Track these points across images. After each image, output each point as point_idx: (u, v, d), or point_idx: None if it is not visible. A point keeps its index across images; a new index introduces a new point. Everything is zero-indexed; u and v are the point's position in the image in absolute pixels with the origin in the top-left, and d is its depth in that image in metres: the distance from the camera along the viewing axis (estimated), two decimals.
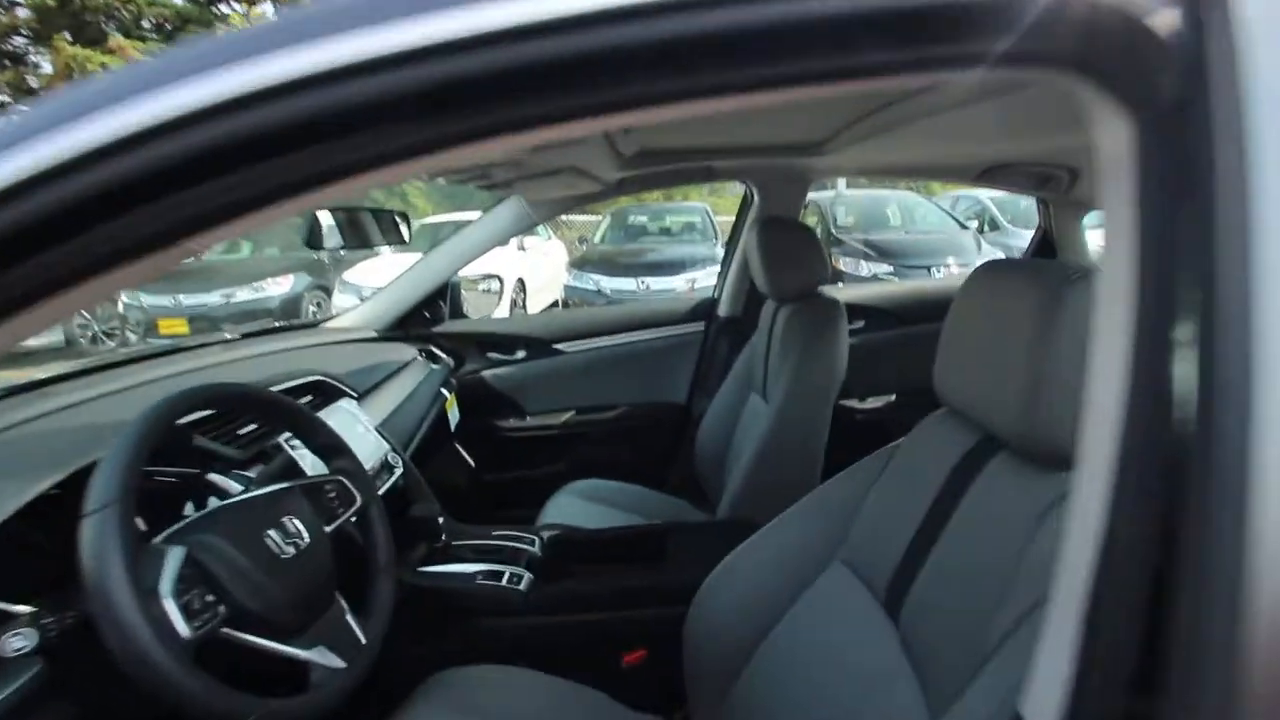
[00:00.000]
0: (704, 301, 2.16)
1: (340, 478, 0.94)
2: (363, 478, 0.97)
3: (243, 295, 6.45)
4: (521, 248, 7.90)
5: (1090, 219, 1.90)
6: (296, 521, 0.80)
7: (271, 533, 0.76)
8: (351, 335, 1.83)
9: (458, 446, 2.08)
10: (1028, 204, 8.39)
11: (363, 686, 0.85)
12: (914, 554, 0.76)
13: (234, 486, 0.94)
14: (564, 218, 12.82)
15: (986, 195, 8.90)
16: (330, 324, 1.90)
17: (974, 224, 7.59)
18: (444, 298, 1.99)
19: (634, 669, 1.14)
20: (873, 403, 2.03)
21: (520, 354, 2.05)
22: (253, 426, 1.08)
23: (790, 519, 1.00)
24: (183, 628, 0.61)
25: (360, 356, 1.62)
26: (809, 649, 0.87)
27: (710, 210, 8.52)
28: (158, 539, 0.71)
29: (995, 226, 7.85)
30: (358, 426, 1.30)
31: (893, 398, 2.02)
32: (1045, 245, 1.96)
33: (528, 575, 1.22)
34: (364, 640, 0.82)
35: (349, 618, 0.83)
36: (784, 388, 1.40)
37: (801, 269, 1.46)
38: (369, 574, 0.92)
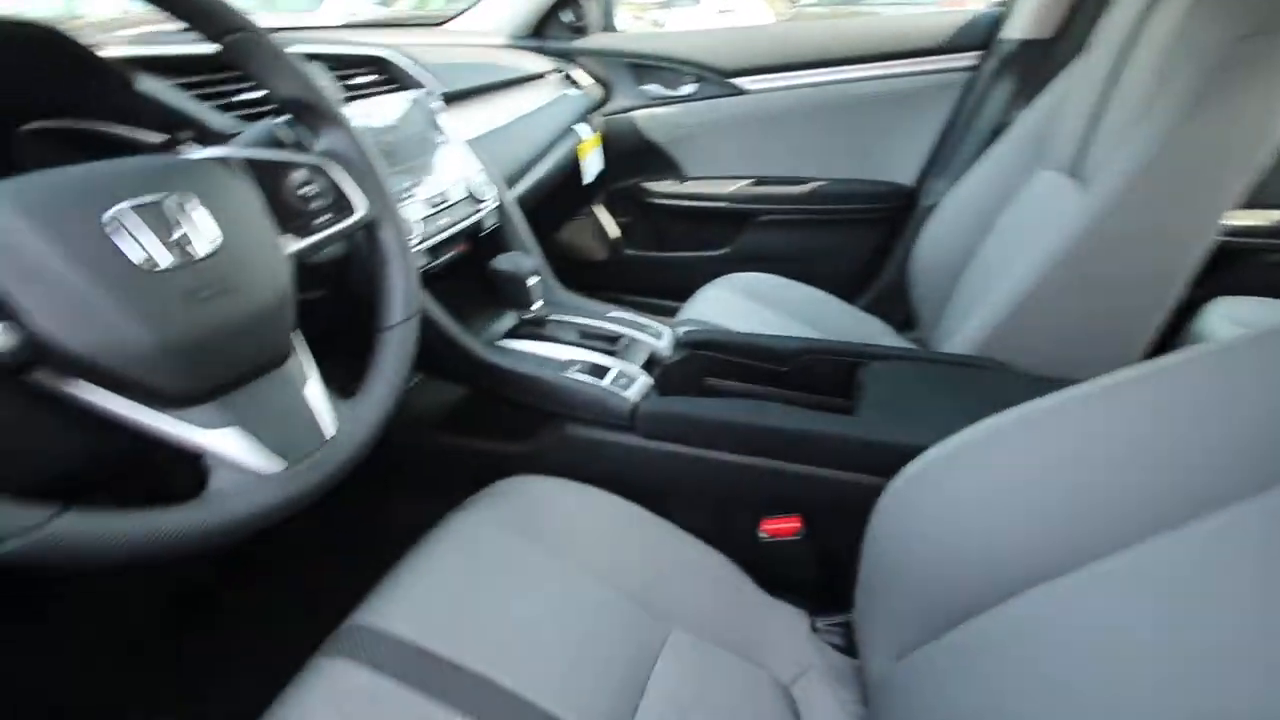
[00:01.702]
0: (979, 19, 1.37)
1: (323, 165, 0.55)
2: (368, 174, 0.57)
3: None
4: (724, 10, 6.69)
5: None
6: (195, 209, 0.43)
7: (122, 215, 0.39)
8: (473, 40, 1.39)
9: (600, 209, 1.68)
10: None
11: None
12: None
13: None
14: None
15: None
16: (451, 25, 1.46)
17: None
18: None
19: (776, 545, 0.75)
20: (1244, 219, 1.23)
21: (688, 88, 1.49)
22: (260, 93, 0.71)
23: (1151, 381, 0.47)
24: None
25: (466, 54, 1.19)
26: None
27: None
28: None
29: None
30: (431, 133, 0.90)
31: None
32: None
33: (644, 379, 0.83)
34: (328, 432, 0.48)
35: (310, 390, 0.49)
36: (1144, 150, 0.74)
37: None
38: (369, 332, 0.57)
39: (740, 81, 1.45)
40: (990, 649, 0.47)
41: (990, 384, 0.76)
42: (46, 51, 0.52)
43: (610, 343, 0.89)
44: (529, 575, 0.63)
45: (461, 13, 1.46)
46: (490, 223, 0.94)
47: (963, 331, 0.90)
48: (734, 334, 0.93)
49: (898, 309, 1.42)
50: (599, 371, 0.82)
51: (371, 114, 0.82)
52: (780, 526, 0.75)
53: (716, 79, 1.45)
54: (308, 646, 0.55)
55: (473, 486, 0.74)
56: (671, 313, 1.67)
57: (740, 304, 1.27)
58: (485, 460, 0.90)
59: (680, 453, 0.78)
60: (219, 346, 0.42)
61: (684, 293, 1.64)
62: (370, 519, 1.01)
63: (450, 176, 0.88)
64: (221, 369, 0.43)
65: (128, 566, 0.35)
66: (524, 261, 0.85)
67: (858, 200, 1.49)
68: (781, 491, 0.75)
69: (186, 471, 0.42)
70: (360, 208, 0.56)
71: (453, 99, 1.02)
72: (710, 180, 1.58)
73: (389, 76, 0.94)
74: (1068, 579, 0.44)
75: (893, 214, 1.47)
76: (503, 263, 0.84)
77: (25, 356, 0.36)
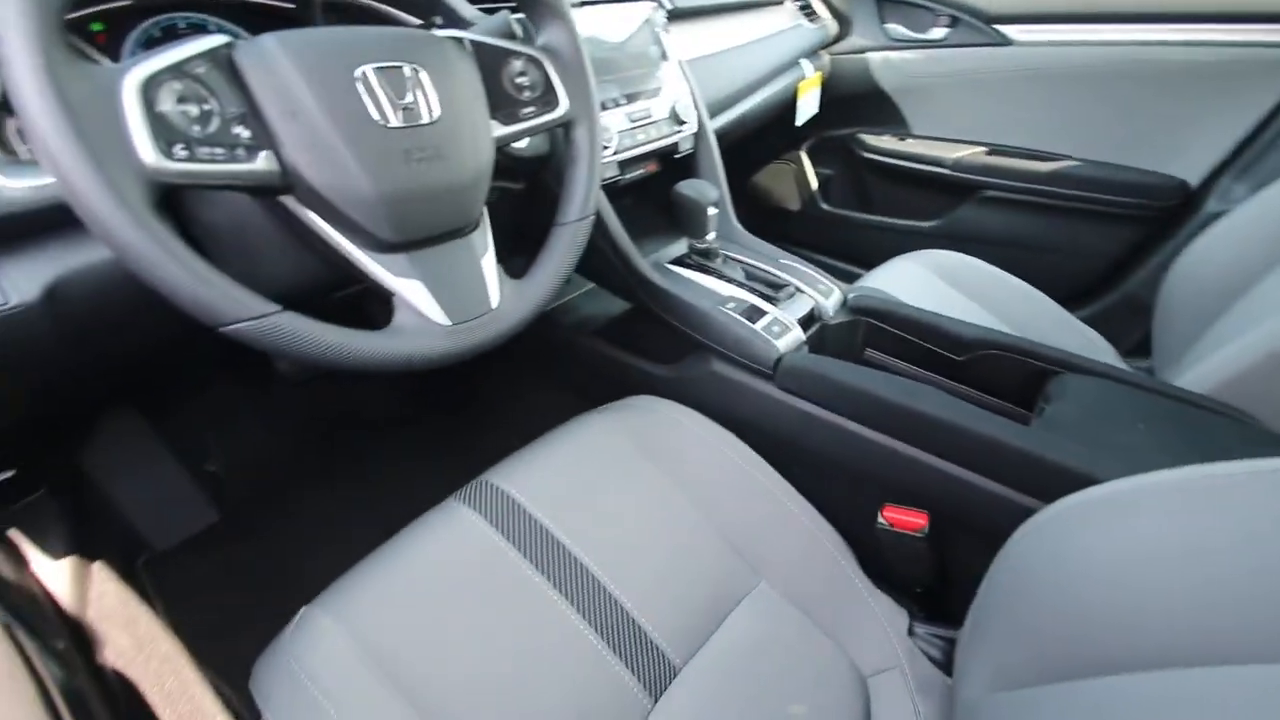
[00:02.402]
0: None
1: (542, 58, 0.58)
2: (578, 74, 0.60)
3: None
4: None
5: None
6: (425, 80, 0.48)
7: (369, 74, 0.45)
8: None
9: (804, 156, 1.59)
10: None
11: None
12: None
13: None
14: None
15: None
16: None
17: None
18: None
19: (893, 535, 0.70)
20: None
21: (939, 32, 1.32)
22: None
23: None
24: (146, 149, 0.37)
25: None
26: None
27: None
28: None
29: None
30: (651, 49, 0.91)
31: None
32: None
33: (796, 332, 0.80)
34: (494, 302, 0.53)
35: (486, 262, 0.54)
36: None
37: None
38: (546, 225, 0.61)
39: (1009, 30, 1.25)
40: (1109, 717, 0.41)
41: (1217, 432, 0.62)
42: None
43: (774, 289, 0.86)
44: (640, 487, 0.66)
45: None
46: (685, 147, 0.94)
47: (1204, 364, 0.74)
48: (909, 307, 0.85)
49: (1129, 330, 1.20)
50: (754, 314, 0.80)
51: (600, 22, 0.85)
52: (903, 518, 0.70)
53: (977, 23, 1.27)
54: (451, 484, 0.64)
55: (612, 394, 0.78)
56: (854, 279, 1.57)
57: (933, 284, 1.15)
58: (629, 374, 0.94)
59: (815, 414, 0.75)
60: (422, 205, 0.48)
61: (875, 261, 1.53)
62: (522, 396, 1.11)
63: (658, 94, 0.89)
64: (420, 226, 0.49)
65: (317, 367, 0.43)
66: (707, 191, 0.84)
67: (1115, 190, 1.24)
68: (915, 483, 0.70)
69: (378, 307, 0.50)
70: (563, 105, 0.59)
71: (679, 16, 1.01)
72: (936, 141, 1.41)
73: None
74: (1226, 672, 0.36)
75: (1158, 214, 1.22)
76: (686, 188, 0.84)
77: (281, 182, 0.44)
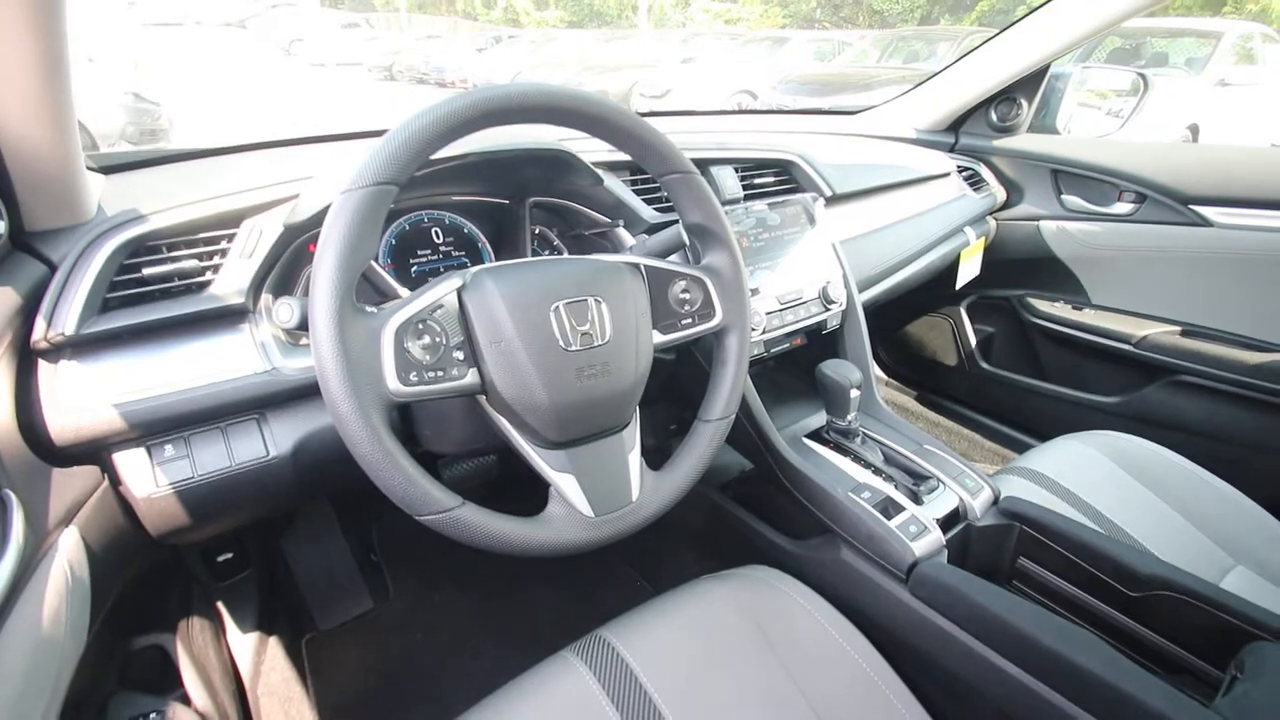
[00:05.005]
0: None
1: (704, 278, 0.65)
2: (735, 290, 0.66)
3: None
4: (1224, 83, 5.34)
5: None
6: (603, 309, 0.57)
7: (560, 308, 0.55)
8: (882, 132, 1.42)
9: (962, 312, 1.55)
10: None
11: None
12: None
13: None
14: None
15: None
16: (866, 115, 1.51)
17: None
18: (1031, 95, 1.32)
19: None
20: None
21: (1123, 208, 1.26)
22: None
23: None
24: (391, 379, 0.47)
25: (864, 153, 1.22)
26: None
27: None
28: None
29: None
30: (807, 233, 0.97)
31: None
32: None
33: (935, 534, 0.76)
34: (634, 495, 0.58)
35: (632, 457, 0.60)
36: None
37: None
38: (689, 392, 0.66)
39: (1207, 211, 1.16)
40: None
41: None
42: (560, 163, 0.75)
43: (915, 480, 0.83)
44: (753, 674, 0.65)
45: (880, 104, 1.50)
46: (833, 324, 0.96)
47: None
48: (1072, 523, 0.77)
49: None
50: (889, 508, 0.78)
51: (761, 212, 0.93)
52: None
53: (1172, 203, 1.19)
54: (565, 611, 0.68)
55: (733, 554, 0.79)
56: (1015, 444, 1.46)
57: (1110, 472, 1.02)
58: (753, 539, 0.94)
59: (952, 633, 0.70)
60: (585, 412, 0.56)
61: (1041, 428, 1.42)
62: (642, 536, 1.15)
63: (809, 276, 0.94)
64: (581, 427, 0.56)
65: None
66: (850, 373, 0.85)
67: None
68: None
69: (540, 492, 0.57)
70: (719, 316, 0.65)
71: (839, 199, 1.07)
72: (1118, 314, 1.31)
73: (788, 177, 1.04)
74: None
75: None
76: (830, 369, 0.85)
77: (479, 390, 0.53)
